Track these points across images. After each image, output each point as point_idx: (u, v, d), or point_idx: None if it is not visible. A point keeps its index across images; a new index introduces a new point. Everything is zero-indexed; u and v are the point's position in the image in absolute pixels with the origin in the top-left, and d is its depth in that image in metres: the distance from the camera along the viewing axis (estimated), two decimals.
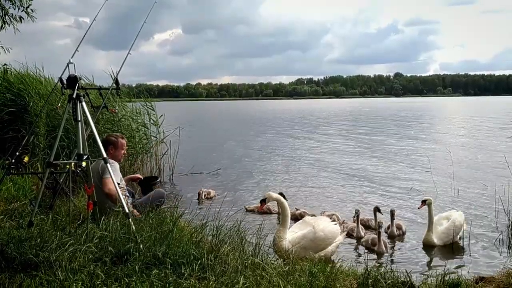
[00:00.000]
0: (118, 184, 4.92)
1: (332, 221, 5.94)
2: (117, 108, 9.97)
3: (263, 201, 5.83)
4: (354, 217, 6.94)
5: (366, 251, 6.07)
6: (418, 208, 6.82)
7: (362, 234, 6.69)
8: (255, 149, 18.46)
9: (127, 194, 5.62)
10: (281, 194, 7.50)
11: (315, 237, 5.48)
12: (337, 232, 5.67)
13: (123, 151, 5.85)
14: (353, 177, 11.62)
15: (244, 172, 12.76)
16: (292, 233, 5.57)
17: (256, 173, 12.50)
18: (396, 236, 6.68)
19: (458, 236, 6.37)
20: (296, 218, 7.25)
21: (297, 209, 7.84)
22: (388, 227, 6.78)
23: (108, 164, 4.73)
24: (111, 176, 4.79)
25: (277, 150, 17.82)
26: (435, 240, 6.25)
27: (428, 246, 6.26)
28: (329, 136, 23.97)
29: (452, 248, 6.19)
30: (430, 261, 5.79)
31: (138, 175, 6.48)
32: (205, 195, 9.19)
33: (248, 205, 8.51)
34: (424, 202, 6.50)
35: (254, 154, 16.82)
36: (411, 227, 7.15)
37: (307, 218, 6.05)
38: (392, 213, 6.75)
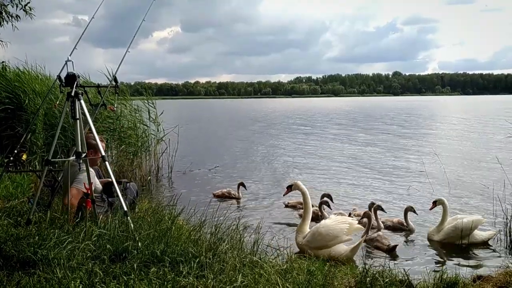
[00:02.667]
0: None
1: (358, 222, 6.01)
2: (115, 106, 9.95)
3: (290, 187, 6.33)
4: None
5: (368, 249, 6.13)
6: (430, 209, 6.91)
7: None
8: (253, 146, 18.47)
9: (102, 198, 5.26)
10: (329, 195, 7.71)
11: (316, 232, 5.62)
12: (340, 232, 5.57)
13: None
14: (353, 177, 11.65)
15: (242, 169, 12.78)
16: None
17: (255, 170, 12.52)
18: (414, 230, 6.90)
19: (467, 240, 6.17)
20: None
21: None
22: (398, 222, 7.04)
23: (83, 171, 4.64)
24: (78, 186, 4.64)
25: (275, 148, 17.82)
26: (435, 236, 6.38)
27: (430, 241, 6.42)
28: (327, 133, 23.98)
29: (451, 247, 6.21)
30: (429, 260, 5.79)
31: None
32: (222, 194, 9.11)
33: (288, 201, 8.41)
34: (435, 203, 6.65)
35: (252, 151, 16.84)
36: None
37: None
38: (410, 210, 6.99)
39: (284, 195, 6.94)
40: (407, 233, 6.89)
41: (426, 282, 4.03)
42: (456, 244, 6.22)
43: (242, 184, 9.20)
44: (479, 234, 6.29)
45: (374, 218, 6.99)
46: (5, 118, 9.33)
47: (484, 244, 6.25)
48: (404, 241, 6.63)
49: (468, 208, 8.06)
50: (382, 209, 7.10)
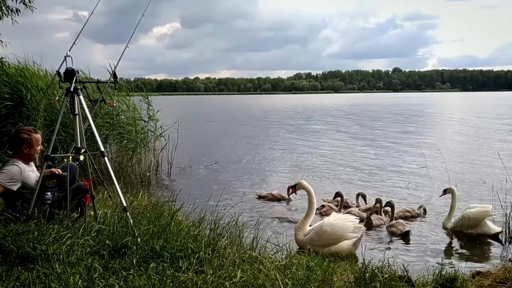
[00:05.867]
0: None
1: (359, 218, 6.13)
2: (115, 101, 9.94)
3: (294, 187, 6.34)
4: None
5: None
6: (440, 196, 7.41)
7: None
8: (253, 143, 18.46)
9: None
10: (339, 193, 7.94)
11: (320, 230, 5.59)
12: (347, 229, 5.58)
13: (39, 147, 4.93)
14: (352, 171, 11.66)
15: (241, 165, 12.78)
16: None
17: (254, 167, 12.54)
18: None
19: (476, 229, 6.41)
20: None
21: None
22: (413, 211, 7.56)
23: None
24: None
25: (275, 144, 17.83)
26: (447, 224, 6.79)
27: (444, 229, 6.80)
28: (326, 130, 23.98)
29: (456, 240, 6.34)
30: (428, 255, 5.80)
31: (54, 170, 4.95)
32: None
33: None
34: (445, 191, 7.16)
35: (252, 148, 16.83)
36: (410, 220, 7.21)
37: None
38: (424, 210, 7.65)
39: (289, 195, 7.05)
40: (420, 223, 7.21)
41: (426, 277, 4.03)
42: (466, 233, 6.36)
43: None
44: (488, 227, 6.41)
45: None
46: (6, 114, 9.30)
47: (493, 238, 6.33)
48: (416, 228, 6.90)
49: (466, 204, 8.07)
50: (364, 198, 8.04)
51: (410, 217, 7.38)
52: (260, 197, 8.82)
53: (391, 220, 6.84)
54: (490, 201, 7.35)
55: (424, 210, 7.61)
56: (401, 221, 6.81)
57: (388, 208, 7.12)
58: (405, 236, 6.46)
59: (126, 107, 10.69)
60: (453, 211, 6.83)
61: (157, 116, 11.01)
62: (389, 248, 6.03)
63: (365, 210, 7.58)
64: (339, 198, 7.84)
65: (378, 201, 7.49)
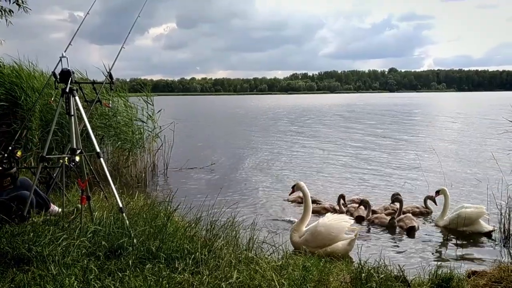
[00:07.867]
0: None
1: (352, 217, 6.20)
2: (111, 102, 9.91)
3: (293, 187, 6.55)
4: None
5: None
6: (435, 198, 7.55)
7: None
8: (249, 144, 18.44)
9: None
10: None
11: (315, 231, 5.59)
12: (342, 230, 5.59)
13: None
14: (349, 172, 11.68)
15: (238, 166, 12.77)
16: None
17: (250, 167, 12.52)
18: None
19: (469, 228, 6.56)
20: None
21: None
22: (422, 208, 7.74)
23: None
24: None
25: (272, 145, 17.83)
26: (439, 222, 6.98)
27: (436, 226, 7.01)
28: (321, 131, 24.00)
29: (450, 240, 6.36)
30: (424, 255, 5.82)
31: None
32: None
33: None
34: (437, 192, 7.42)
35: (248, 149, 16.81)
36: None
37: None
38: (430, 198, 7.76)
39: (289, 195, 7.24)
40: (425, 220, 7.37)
41: (421, 277, 4.04)
42: (459, 231, 6.48)
43: (342, 196, 8.11)
44: (481, 225, 6.56)
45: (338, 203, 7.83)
46: (2, 114, 9.25)
47: (485, 236, 6.44)
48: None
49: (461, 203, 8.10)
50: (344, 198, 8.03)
51: (418, 213, 7.50)
52: (289, 201, 8.54)
53: (399, 214, 7.01)
54: (485, 200, 7.40)
55: (431, 198, 7.66)
56: (410, 215, 6.96)
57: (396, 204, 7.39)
58: (409, 231, 6.65)
59: (123, 107, 10.64)
60: (446, 210, 7.04)
61: (155, 116, 10.99)
62: (385, 248, 6.03)
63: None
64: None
65: (365, 202, 7.50)
